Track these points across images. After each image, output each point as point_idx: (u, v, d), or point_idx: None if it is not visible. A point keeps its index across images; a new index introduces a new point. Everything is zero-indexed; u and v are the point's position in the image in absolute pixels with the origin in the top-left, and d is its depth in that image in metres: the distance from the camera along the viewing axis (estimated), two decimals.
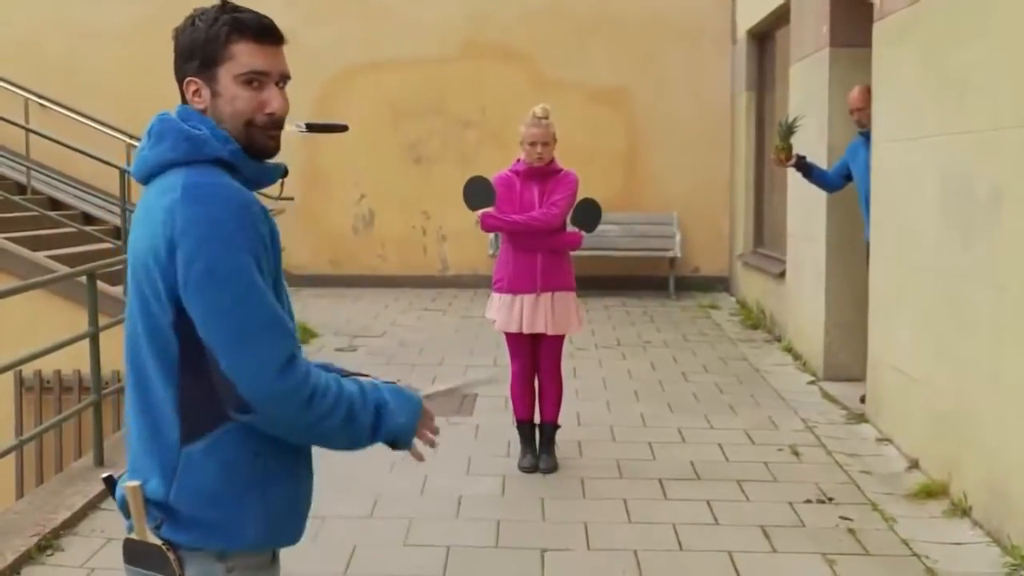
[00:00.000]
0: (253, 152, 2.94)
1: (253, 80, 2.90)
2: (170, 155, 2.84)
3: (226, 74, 2.91)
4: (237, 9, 2.94)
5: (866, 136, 9.51)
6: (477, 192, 7.92)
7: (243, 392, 2.69)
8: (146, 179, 2.89)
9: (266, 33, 2.93)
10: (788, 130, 9.92)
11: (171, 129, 2.87)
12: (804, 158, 10.04)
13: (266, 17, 2.95)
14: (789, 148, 9.93)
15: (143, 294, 2.81)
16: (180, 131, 2.86)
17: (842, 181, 10.07)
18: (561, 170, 7.95)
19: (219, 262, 2.69)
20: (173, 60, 2.98)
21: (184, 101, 2.96)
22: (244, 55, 2.90)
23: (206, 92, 2.92)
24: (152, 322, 2.79)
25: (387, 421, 3.00)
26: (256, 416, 2.73)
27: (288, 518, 2.95)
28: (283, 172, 3.04)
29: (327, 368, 3.08)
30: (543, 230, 7.84)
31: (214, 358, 2.70)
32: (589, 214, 8.06)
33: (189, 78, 2.93)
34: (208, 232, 2.70)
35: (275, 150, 2.99)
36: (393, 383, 3.10)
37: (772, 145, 10.48)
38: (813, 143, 10.95)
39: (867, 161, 9.46)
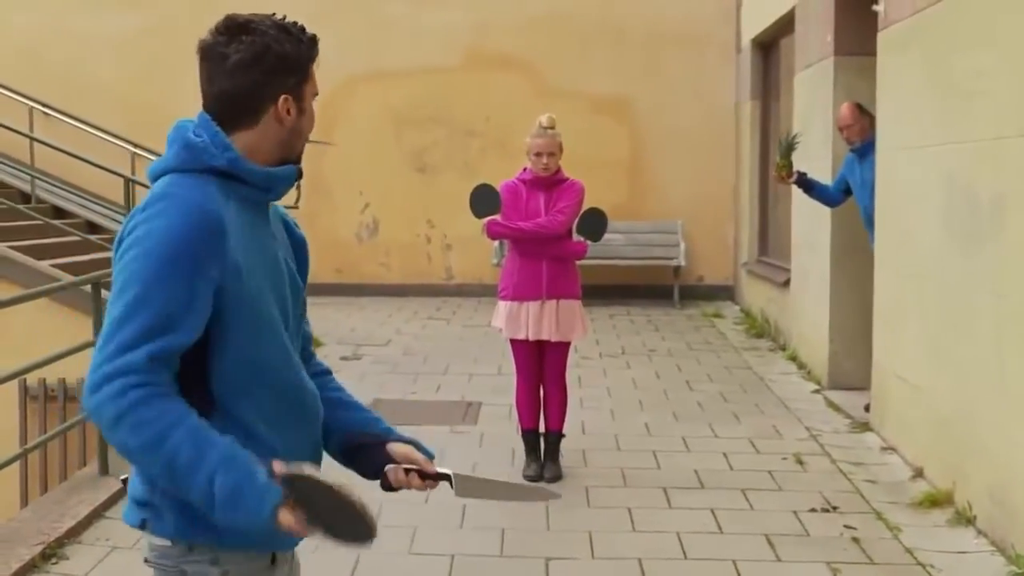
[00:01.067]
0: (294, 161, 2.99)
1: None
2: (171, 163, 2.85)
3: (309, 92, 2.97)
4: (291, 22, 2.97)
5: (858, 152, 9.58)
6: (483, 199, 7.93)
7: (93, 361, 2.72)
8: (153, 181, 2.91)
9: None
10: (788, 147, 9.95)
11: (178, 137, 2.88)
12: (805, 174, 10.05)
13: None
14: (790, 165, 9.96)
15: None
16: (183, 139, 2.86)
17: (843, 196, 10.09)
18: (567, 179, 7.95)
19: (139, 266, 2.68)
20: (250, 72, 2.87)
21: (249, 114, 2.90)
22: (314, 73, 2.98)
23: (295, 109, 2.93)
24: None
25: (220, 505, 2.65)
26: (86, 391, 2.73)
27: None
28: (299, 174, 3.02)
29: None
30: (548, 237, 7.85)
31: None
32: (595, 224, 8.06)
33: (286, 95, 2.91)
34: (146, 236, 2.70)
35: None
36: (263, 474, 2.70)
37: (773, 162, 10.56)
38: (818, 152, 10.96)
39: (863, 176, 9.51)
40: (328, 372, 3.35)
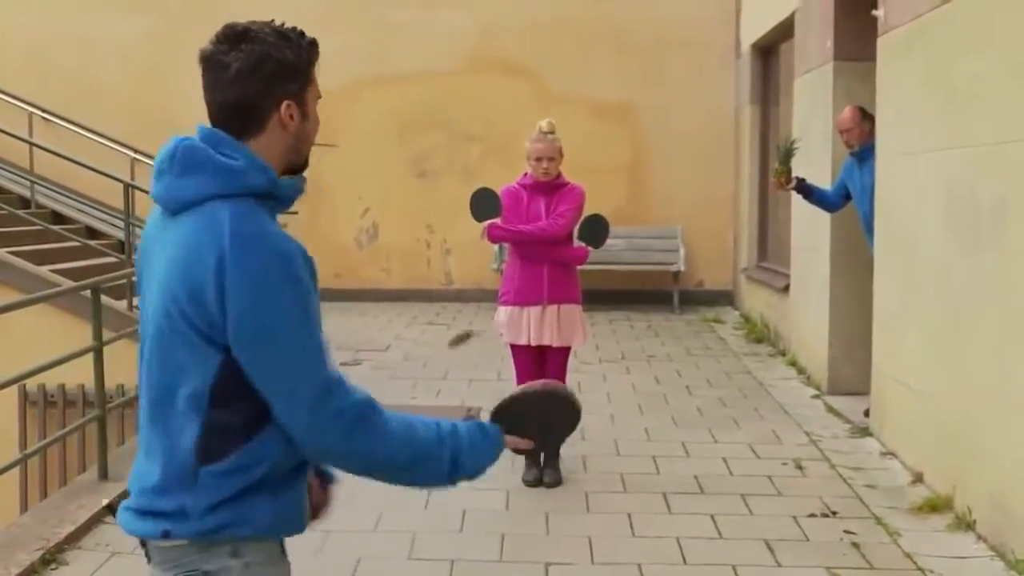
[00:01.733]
0: (300, 168, 3.02)
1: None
2: (210, 188, 2.81)
3: (312, 96, 2.98)
4: (290, 28, 2.98)
5: (858, 156, 9.58)
6: (483, 203, 7.93)
7: (298, 442, 2.82)
8: (177, 210, 2.85)
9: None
10: (787, 153, 9.96)
11: (205, 159, 2.83)
12: (804, 180, 10.05)
13: None
14: (788, 171, 9.97)
15: (172, 326, 2.80)
16: (216, 162, 2.83)
17: (842, 201, 10.08)
18: (568, 184, 7.96)
19: (271, 320, 2.73)
20: (252, 80, 2.88)
21: (254, 123, 2.91)
22: (316, 76, 2.99)
23: (298, 114, 2.93)
24: (174, 360, 2.81)
25: (465, 466, 3.08)
26: (340, 463, 2.94)
27: (294, 507, 2.96)
28: (304, 180, 3.05)
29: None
30: (548, 241, 7.85)
31: (270, 406, 2.80)
32: (596, 229, 8.06)
33: (289, 100, 2.91)
34: (260, 288, 2.72)
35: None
36: (474, 420, 3.21)
37: (772, 168, 10.53)
38: (817, 157, 10.97)
39: (862, 181, 9.51)
40: None
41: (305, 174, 3.05)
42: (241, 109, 2.88)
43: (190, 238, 2.77)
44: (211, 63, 2.89)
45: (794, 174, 9.98)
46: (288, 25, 2.96)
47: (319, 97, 3.01)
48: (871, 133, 9.40)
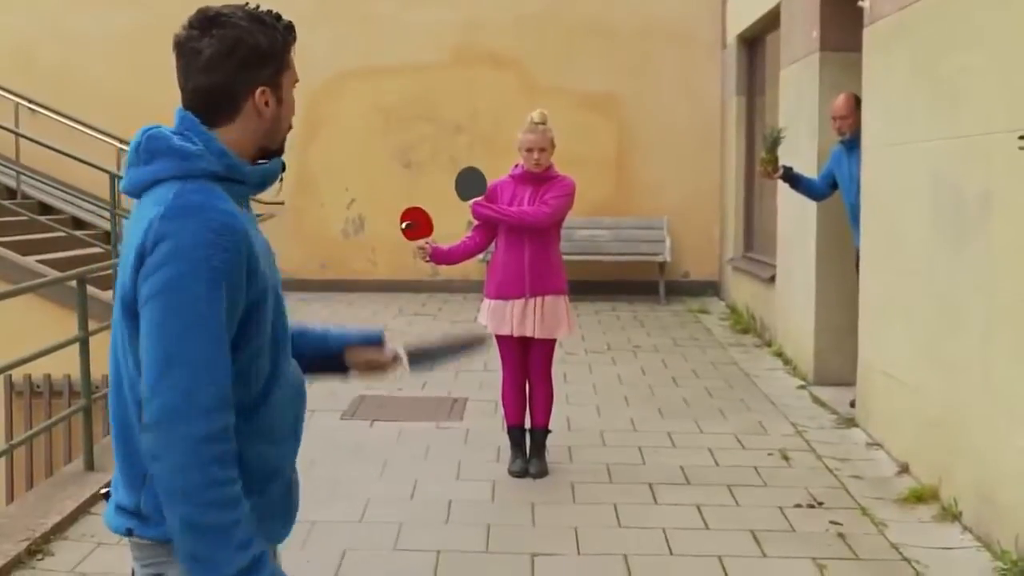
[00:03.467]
0: (276, 151, 2.99)
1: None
2: (167, 171, 2.79)
3: (288, 80, 2.96)
4: (278, 14, 2.96)
5: (847, 144, 9.58)
6: (469, 182, 7.90)
7: (146, 415, 2.67)
8: (138, 194, 2.84)
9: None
10: (773, 142, 9.91)
11: (163, 147, 2.81)
12: (791, 169, 10.03)
13: None
14: (775, 160, 9.93)
15: (117, 310, 2.81)
16: (173, 148, 2.81)
17: (829, 190, 10.08)
18: (558, 175, 7.95)
19: (177, 282, 2.65)
20: (225, 66, 2.85)
21: (228, 109, 2.89)
22: (292, 60, 2.96)
23: (273, 100, 2.91)
24: (127, 334, 2.79)
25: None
26: (147, 445, 2.68)
27: (264, 517, 2.89)
28: (282, 167, 3.02)
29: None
30: (529, 227, 7.82)
31: (142, 370, 2.68)
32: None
33: (263, 87, 2.89)
34: (177, 251, 2.65)
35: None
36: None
37: (759, 158, 10.50)
38: (803, 147, 10.97)
39: (850, 170, 9.50)
40: None
41: (284, 158, 3.04)
42: (213, 95, 2.87)
43: (140, 213, 2.78)
44: (183, 49, 2.88)
45: (781, 163, 9.96)
46: (263, 8, 2.93)
47: (296, 81, 2.99)
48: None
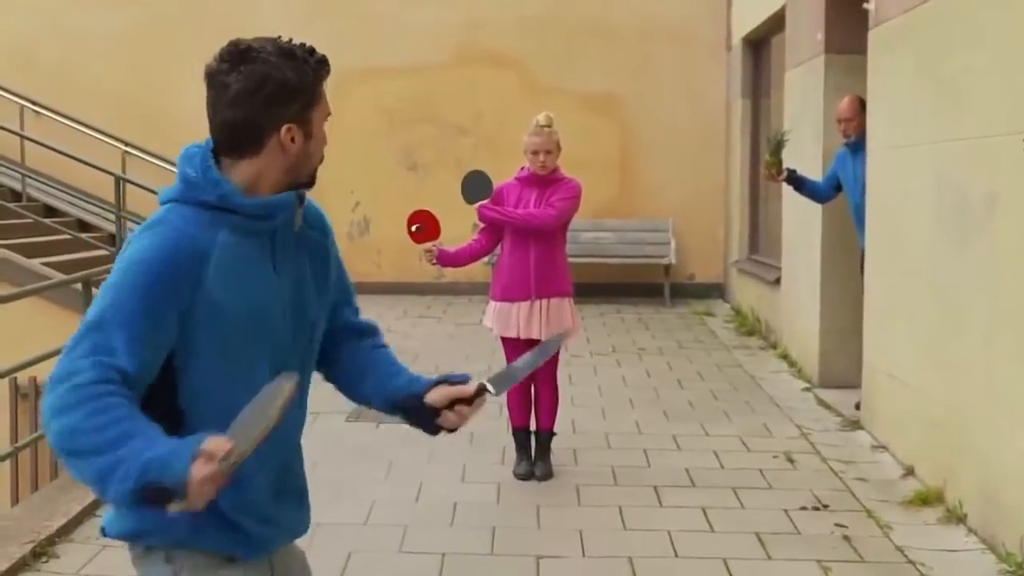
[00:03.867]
0: (305, 184, 3.04)
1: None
2: (172, 194, 2.92)
3: (318, 115, 2.97)
4: (312, 48, 2.97)
5: (852, 147, 9.60)
6: (475, 185, 7.89)
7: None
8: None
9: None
10: (778, 145, 9.90)
11: (179, 171, 2.92)
12: (795, 172, 10.03)
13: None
14: (780, 163, 9.92)
15: None
16: (182, 173, 2.91)
17: (833, 192, 10.09)
18: (563, 178, 7.95)
19: (120, 279, 2.77)
20: (252, 102, 2.86)
21: (253, 143, 2.91)
22: (324, 93, 2.98)
23: (300, 136, 2.92)
24: None
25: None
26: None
27: (216, 523, 2.91)
28: (300, 200, 3.05)
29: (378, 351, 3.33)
30: (535, 228, 7.82)
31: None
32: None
33: (289, 124, 2.90)
34: (131, 255, 2.79)
35: None
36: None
37: (763, 160, 10.51)
38: (808, 150, 10.97)
39: (855, 172, 9.50)
40: (371, 331, 3.53)
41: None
42: (238, 130, 2.88)
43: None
44: (213, 81, 2.89)
45: (785, 165, 9.94)
46: (297, 41, 2.94)
47: (328, 114, 2.99)
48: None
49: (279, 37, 2.94)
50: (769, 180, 10.44)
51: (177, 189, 2.91)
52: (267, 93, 2.85)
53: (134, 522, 2.87)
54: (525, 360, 3.54)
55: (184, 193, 2.88)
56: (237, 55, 2.86)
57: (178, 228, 2.81)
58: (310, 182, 3.03)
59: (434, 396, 3.20)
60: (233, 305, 2.87)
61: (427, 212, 7.81)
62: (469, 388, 3.19)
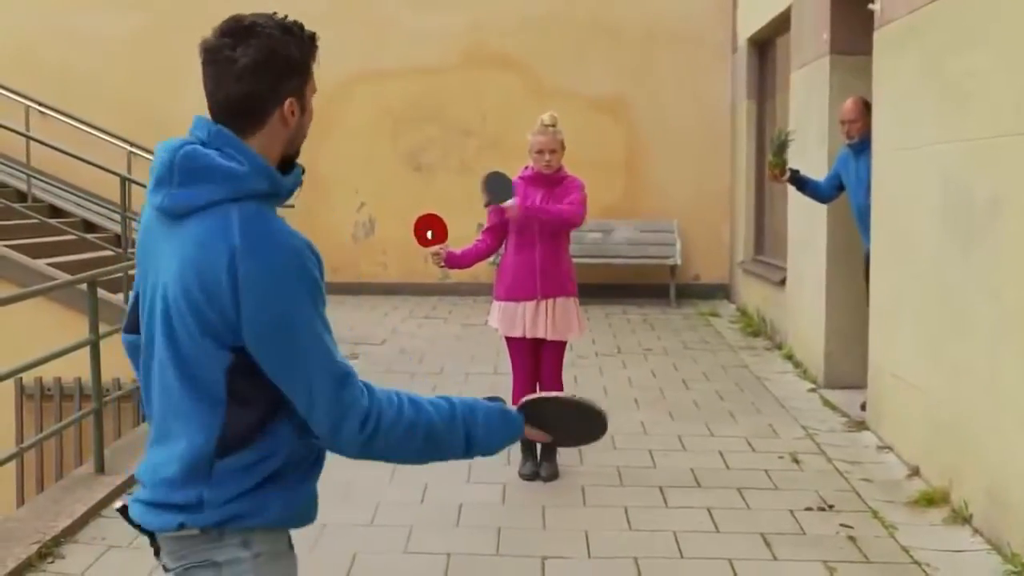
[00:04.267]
0: (292, 159, 3.01)
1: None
2: (217, 195, 2.78)
3: (310, 90, 2.98)
4: (301, 24, 2.98)
5: (855, 148, 9.57)
6: (498, 186, 7.86)
7: (320, 435, 2.89)
8: (181, 215, 2.82)
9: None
10: (782, 144, 9.89)
11: (208, 166, 2.80)
12: (798, 172, 10.02)
13: None
14: (784, 162, 9.89)
15: (178, 327, 2.81)
16: (221, 170, 2.80)
17: (835, 192, 10.09)
18: (568, 176, 7.97)
19: (286, 315, 2.78)
20: (257, 75, 2.85)
21: (257, 118, 2.89)
22: (313, 69, 2.99)
23: (299, 109, 2.93)
24: (188, 356, 2.81)
25: (479, 445, 3.11)
26: (352, 452, 2.92)
27: (305, 499, 3.02)
28: (302, 172, 3.05)
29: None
30: (570, 224, 7.90)
31: (292, 401, 2.85)
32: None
33: (292, 98, 2.91)
34: (273, 285, 2.76)
35: None
36: (498, 401, 3.16)
37: (767, 161, 10.45)
38: (813, 151, 10.97)
39: (858, 173, 9.50)
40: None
41: (301, 163, 3.05)
42: (245, 105, 2.86)
43: (203, 237, 2.77)
44: (216, 57, 2.85)
45: (788, 166, 9.92)
46: (289, 19, 2.93)
47: (315, 91, 3.01)
48: (871, 125, 9.37)
49: (274, 13, 2.93)
50: (772, 180, 10.43)
51: (223, 188, 2.79)
52: (274, 67, 2.85)
53: (230, 509, 2.83)
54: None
55: (237, 189, 2.80)
56: (241, 30, 2.84)
57: (286, 231, 2.82)
58: (296, 155, 3.03)
59: None
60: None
61: (435, 216, 7.82)
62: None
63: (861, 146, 9.45)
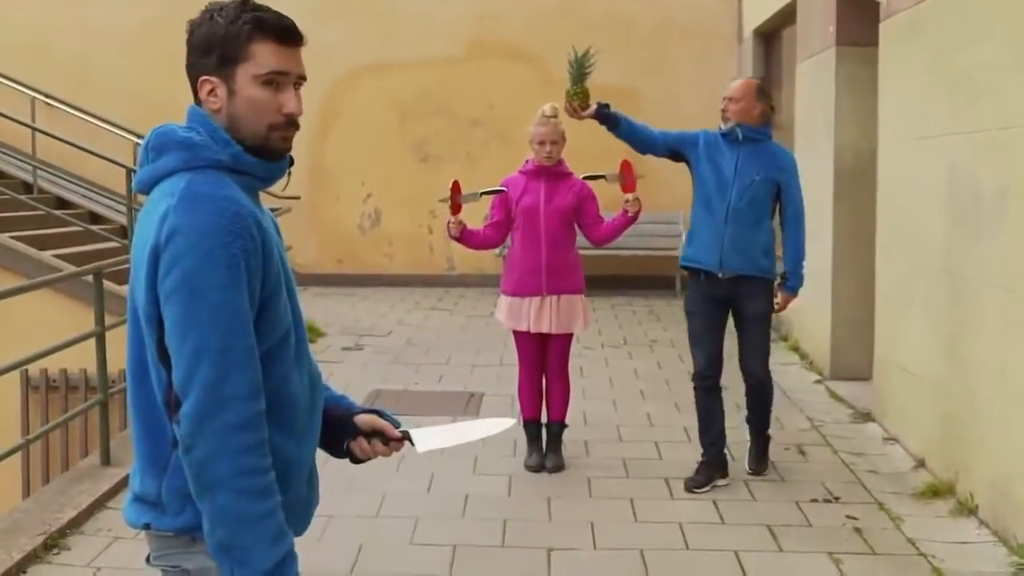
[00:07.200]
0: (267, 153, 2.90)
1: (272, 81, 2.86)
2: (172, 164, 2.80)
3: (244, 74, 2.86)
4: (258, 8, 2.89)
5: (726, 137, 8.12)
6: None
7: (181, 409, 2.67)
8: (149, 188, 2.85)
9: (288, 34, 2.88)
10: (580, 69, 7.93)
11: (170, 140, 2.84)
12: (607, 106, 8.07)
13: (287, 17, 2.89)
14: (585, 93, 7.89)
15: (134, 303, 2.82)
16: (178, 140, 2.83)
17: (664, 151, 8.56)
18: (569, 173, 7.99)
19: (196, 273, 2.66)
20: (186, 55, 2.93)
21: (196, 98, 2.92)
22: (264, 55, 2.85)
23: (222, 91, 2.87)
24: (144, 334, 2.80)
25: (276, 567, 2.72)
26: (181, 436, 2.68)
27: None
28: (290, 163, 2.99)
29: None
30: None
31: (171, 366, 2.70)
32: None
33: (204, 77, 2.88)
34: (192, 242, 2.66)
35: (287, 151, 2.95)
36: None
37: (565, 91, 8.03)
38: (820, 142, 10.94)
39: (737, 166, 8.04)
40: None
41: (297, 153, 3.02)
42: (191, 83, 2.94)
43: (151, 206, 2.79)
44: None
45: (598, 101, 8.02)
46: (260, 3, 2.93)
47: (259, 75, 2.86)
48: (762, 117, 7.94)
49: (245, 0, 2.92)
50: (572, 116, 7.96)
51: (180, 157, 2.81)
52: (191, 44, 2.92)
53: (190, 516, 2.78)
54: (459, 429, 3.50)
55: (191, 158, 2.79)
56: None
57: (226, 196, 2.73)
58: (263, 150, 2.89)
59: (363, 419, 3.21)
60: (284, 270, 2.89)
61: (459, 187, 7.89)
62: (394, 431, 3.20)
63: (744, 135, 7.99)
